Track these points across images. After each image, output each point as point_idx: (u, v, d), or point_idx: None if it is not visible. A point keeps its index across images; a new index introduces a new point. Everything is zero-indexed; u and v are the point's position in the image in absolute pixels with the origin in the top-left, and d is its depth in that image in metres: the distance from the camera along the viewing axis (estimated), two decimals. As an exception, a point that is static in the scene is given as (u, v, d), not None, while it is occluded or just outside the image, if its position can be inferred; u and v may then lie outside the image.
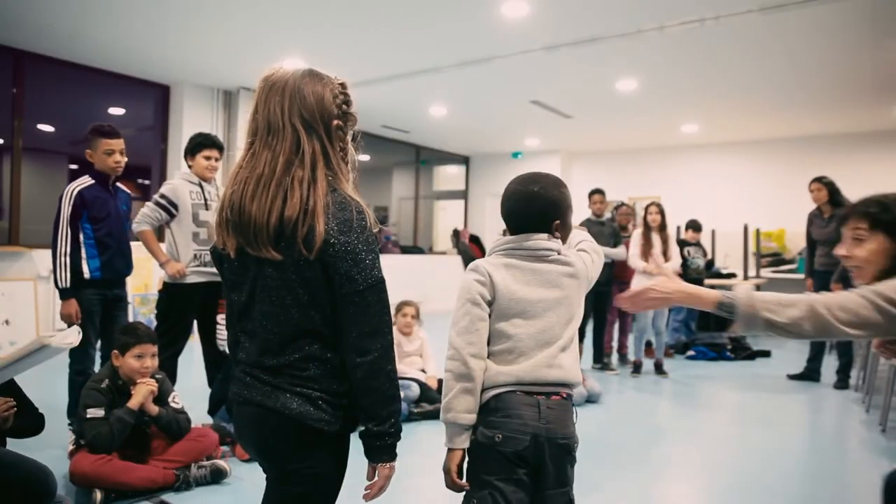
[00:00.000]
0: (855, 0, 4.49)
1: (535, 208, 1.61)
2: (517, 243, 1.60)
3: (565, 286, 1.59)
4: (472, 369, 1.50)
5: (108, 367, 2.88)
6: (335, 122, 1.32)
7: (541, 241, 1.58)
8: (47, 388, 4.26)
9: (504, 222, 1.70)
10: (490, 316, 1.55)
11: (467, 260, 9.31)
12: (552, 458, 1.49)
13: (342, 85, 1.36)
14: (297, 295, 1.25)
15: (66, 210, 3.27)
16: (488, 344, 1.55)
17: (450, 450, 1.52)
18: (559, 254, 1.60)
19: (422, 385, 4.24)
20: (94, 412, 2.73)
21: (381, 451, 1.28)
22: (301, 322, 1.26)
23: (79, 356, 3.35)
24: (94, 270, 3.33)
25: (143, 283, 6.30)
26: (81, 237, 3.30)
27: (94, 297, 3.34)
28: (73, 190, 3.31)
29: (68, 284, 3.24)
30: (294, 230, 1.22)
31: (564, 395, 1.54)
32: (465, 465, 1.53)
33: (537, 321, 1.54)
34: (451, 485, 1.51)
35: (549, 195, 1.62)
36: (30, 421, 2.44)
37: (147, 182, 7.67)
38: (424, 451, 3.61)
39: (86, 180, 3.36)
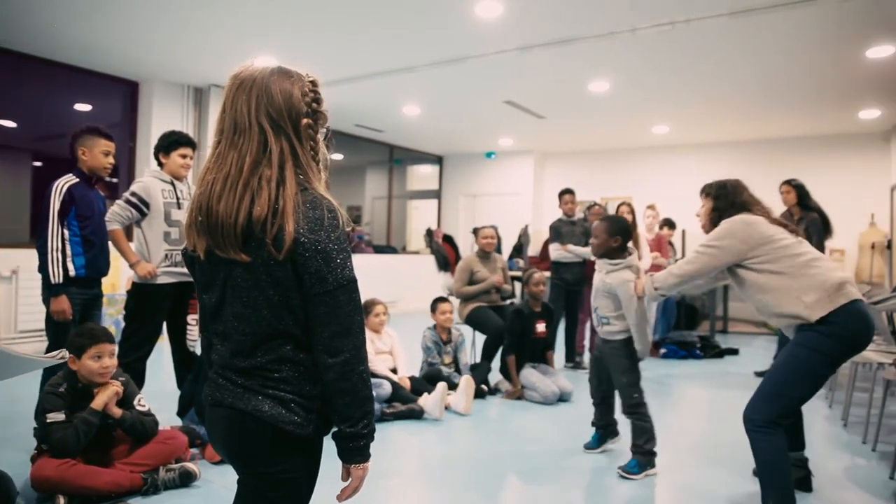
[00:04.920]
0: (821, 7, 4.60)
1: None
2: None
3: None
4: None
5: (66, 370, 2.80)
6: (304, 120, 1.29)
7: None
8: (15, 388, 4.16)
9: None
10: None
11: (441, 260, 9.32)
12: None
13: (312, 83, 1.33)
14: (267, 296, 1.24)
15: (54, 205, 3.20)
16: None
17: None
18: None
19: (394, 384, 4.23)
20: (54, 416, 2.66)
21: (355, 452, 1.27)
22: (273, 323, 1.25)
23: None
24: (80, 268, 3.28)
25: (111, 283, 6.16)
26: (67, 234, 3.25)
27: (76, 297, 3.28)
28: (62, 186, 3.24)
29: (61, 280, 3.18)
30: (263, 230, 1.20)
31: None
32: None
33: None
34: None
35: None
36: None
37: (115, 180, 7.51)
38: (396, 451, 3.61)
39: (71, 178, 3.30)
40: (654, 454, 3.20)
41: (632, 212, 5.82)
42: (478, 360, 5.29)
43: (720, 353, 6.82)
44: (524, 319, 4.81)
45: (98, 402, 2.71)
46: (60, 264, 3.19)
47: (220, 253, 1.25)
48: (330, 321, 1.23)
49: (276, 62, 1.35)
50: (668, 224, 7.33)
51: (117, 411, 2.78)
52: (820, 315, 2.44)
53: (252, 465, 1.31)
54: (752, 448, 2.55)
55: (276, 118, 1.26)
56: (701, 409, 4.84)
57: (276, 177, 1.23)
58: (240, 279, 1.25)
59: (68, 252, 3.24)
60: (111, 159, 3.39)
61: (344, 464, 1.30)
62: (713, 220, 2.82)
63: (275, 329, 1.25)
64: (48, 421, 2.65)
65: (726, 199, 2.80)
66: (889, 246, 8.32)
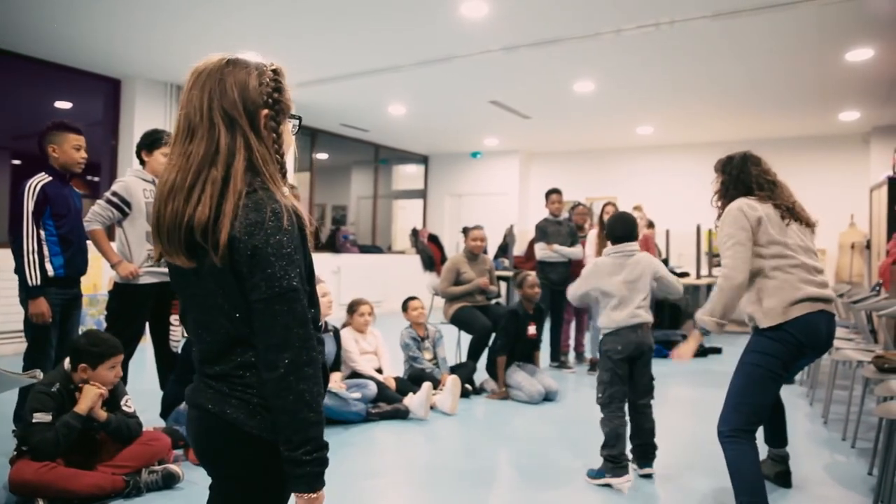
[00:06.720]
0: (801, 10, 4.65)
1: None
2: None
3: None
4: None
5: (60, 370, 2.77)
6: (263, 111, 1.20)
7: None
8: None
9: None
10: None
11: (426, 259, 9.31)
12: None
13: (274, 71, 1.23)
14: (218, 303, 1.19)
15: (29, 206, 3.15)
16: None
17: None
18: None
19: (379, 384, 4.22)
20: (41, 416, 2.62)
21: (298, 479, 1.14)
22: (230, 331, 1.20)
23: (36, 357, 3.21)
24: (58, 268, 3.23)
25: (93, 283, 6.09)
26: (43, 234, 3.20)
27: (56, 297, 3.23)
28: (36, 185, 3.19)
29: (39, 282, 3.13)
30: (204, 235, 1.13)
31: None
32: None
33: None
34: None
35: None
36: None
37: (97, 179, 7.42)
38: (382, 451, 3.60)
39: (44, 176, 3.24)
40: (611, 461, 3.03)
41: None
42: (464, 359, 5.29)
43: (704, 351, 6.88)
44: (519, 321, 4.82)
45: (82, 407, 2.67)
46: (37, 266, 3.14)
47: (168, 258, 1.19)
48: (266, 333, 1.13)
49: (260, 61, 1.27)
50: (649, 224, 7.39)
51: (103, 414, 2.75)
52: (768, 324, 2.48)
53: (217, 467, 1.29)
54: (724, 457, 2.54)
55: (229, 112, 1.17)
56: (685, 407, 4.87)
57: (220, 177, 1.15)
58: (193, 286, 1.21)
59: (45, 252, 3.19)
60: (83, 153, 3.33)
61: (291, 490, 1.18)
62: (721, 195, 2.77)
63: (234, 336, 1.20)
64: (34, 420, 2.61)
65: (730, 174, 2.78)
66: (868, 246, 8.43)
